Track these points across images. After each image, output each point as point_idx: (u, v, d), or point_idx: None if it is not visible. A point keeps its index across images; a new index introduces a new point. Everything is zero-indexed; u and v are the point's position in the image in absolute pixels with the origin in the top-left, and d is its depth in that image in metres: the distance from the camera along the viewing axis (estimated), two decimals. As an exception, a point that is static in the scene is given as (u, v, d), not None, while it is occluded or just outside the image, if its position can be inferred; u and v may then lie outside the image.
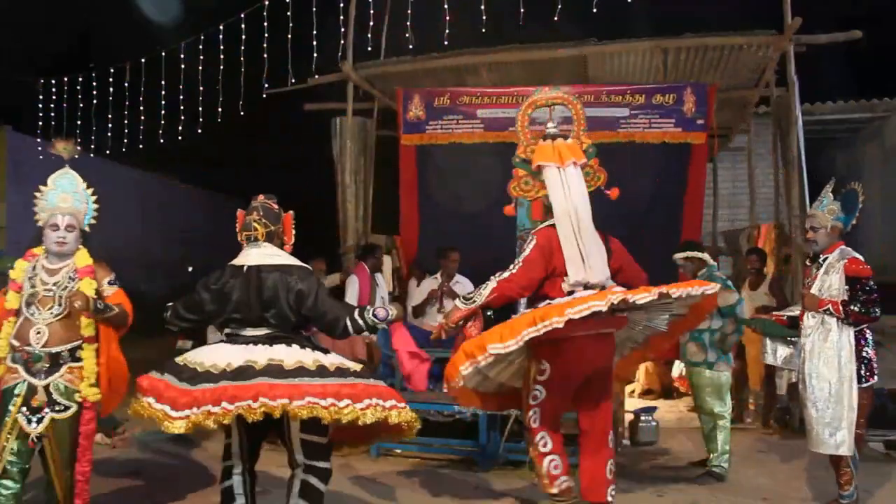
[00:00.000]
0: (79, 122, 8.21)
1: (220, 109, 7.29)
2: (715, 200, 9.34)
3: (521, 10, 6.28)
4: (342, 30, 7.24)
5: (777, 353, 4.84)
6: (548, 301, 3.75)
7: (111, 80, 7.77)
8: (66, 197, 3.52)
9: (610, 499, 3.83)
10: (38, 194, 3.51)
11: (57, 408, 3.35)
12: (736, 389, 6.30)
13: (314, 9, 6.91)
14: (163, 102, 7.60)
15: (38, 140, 8.67)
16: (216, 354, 3.29)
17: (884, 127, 10.36)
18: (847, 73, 11.06)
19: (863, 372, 4.04)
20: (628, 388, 8.21)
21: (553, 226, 3.88)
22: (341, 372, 3.24)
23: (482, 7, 6.23)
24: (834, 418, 3.99)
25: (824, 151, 10.90)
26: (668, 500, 4.62)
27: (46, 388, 3.34)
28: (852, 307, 3.99)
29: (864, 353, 4.08)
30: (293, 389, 3.05)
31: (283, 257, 3.55)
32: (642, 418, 6.15)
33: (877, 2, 10.78)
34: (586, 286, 3.75)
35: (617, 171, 7.04)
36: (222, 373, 3.13)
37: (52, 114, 8.11)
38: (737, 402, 6.49)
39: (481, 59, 7.36)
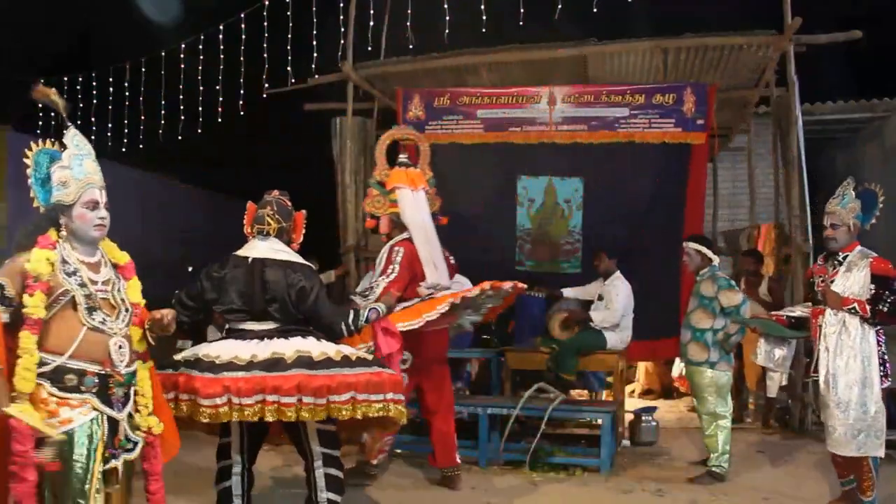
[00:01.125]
0: (79, 122, 8.19)
1: (220, 109, 7.30)
2: (715, 200, 9.34)
3: (521, 10, 6.28)
4: (342, 30, 7.23)
5: (772, 354, 4.79)
6: (412, 300, 4.45)
7: (111, 80, 7.78)
8: (94, 166, 2.66)
9: (459, 460, 4.87)
10: (43, 156, 2.68)
11: (129, 446, 2.62)
12: (736, 389, 6.31)
13: (314, 9, 6.92)
14: (163, 102, 7.60)
15: (38, 140, 8.67)
16: (230, 348, 3.25)
17: (884, 127, 10.34)
18: (847, 73, 11.04)
19: (880, 373, 3.98)
20: (628, 388, 8.22)
21: (409, 239, 4.63)
22: (363, 361, 3.30)
23: (482, 7, 6.23)
24: (857, 420, 3.93)
25: (824, 151, 10.89)
26: (668, 500, 4.62)
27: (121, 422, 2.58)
28: (879, 307, 3.90)
29: (882, 355, 4.01)
30: (329, 380, 3.10)
31: (288, 254, 3.57)
32: (642, 418, 6.15)
33: (877, 2, 10.76)
34: (437, 288, 4.53)
35: (617, 171, 7.12)
36: (249, 363, 3.12)
37: (52, 114, 8.11)
38: (737, 402, 6.49)
39: (481, 59, 7.36)
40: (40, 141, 2.68)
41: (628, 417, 6.29)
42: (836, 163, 10.94)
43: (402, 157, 4.87)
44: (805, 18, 6.34)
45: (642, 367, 8.73)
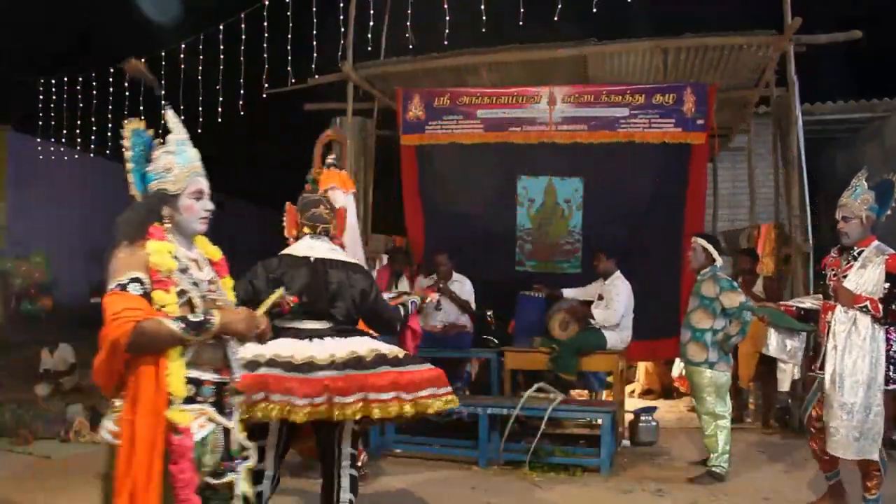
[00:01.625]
0: (79, 122, 8.21)
1: (220, 109, 7.30)
2: (715, 200, 9.35)
3: (521, 10, 6.27)
4: (342, 30, 7.24)
5: (784, 345, 4.59)
6: None
7: (111, 80, 7.77)
8: (196, 152, 2.41)
9: None
10: (138, 137, 2.37)
11: (245, 453, 2.38)
12: (735, 389, 6.30)
13: (314, 9, 6.91)
14: (163, 102, 7.59)
15: (38, 140, 8.68)
16: (300, 348, 3.23)
17: (884, 127, 10.35)
18: (847, 73, 11.04)
19: (891, 373, 3.89)
20: (628, 388, 8.22)
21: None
22: (419, 359, 3.40)
23: (482, 7, 6.23)
24: (861, 422, 3.81)
25: (824, 151, 10.90)
26: (668, 500, 4.62)
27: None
28: (893, 307, 3.78)
29: (892, 354, 3.91)
30: (414, 375, 3.21)
31: (343, 254, 3.63)
32: (642, 418, 6.15)
33: (877, 2, 10.77)
34: None
35: (617, 171, 7.13)
36: (333, 363, 3.14)
37: (52, 114, 8.12)
38: (736, 402, 6.49)
39: (481, 59, 7.36)
40: (133, 119, 2.42)
41: (628, 417, 6.29)
42: (836, 163, 10.94)
43: (331, 159, 4.95)
44: (805, 18, 6.34)
45: (642, 367, 8.73)
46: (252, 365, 3.12)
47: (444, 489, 4.79)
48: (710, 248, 5.12)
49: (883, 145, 10.43)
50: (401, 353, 3.36)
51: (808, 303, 4.40)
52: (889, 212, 4.00)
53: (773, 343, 4.67)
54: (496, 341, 6.72)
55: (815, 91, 9.23)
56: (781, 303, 4.70)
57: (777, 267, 7.39)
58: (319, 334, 3.34)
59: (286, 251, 3.56)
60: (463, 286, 6.66)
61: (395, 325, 3.72)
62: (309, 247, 3.53)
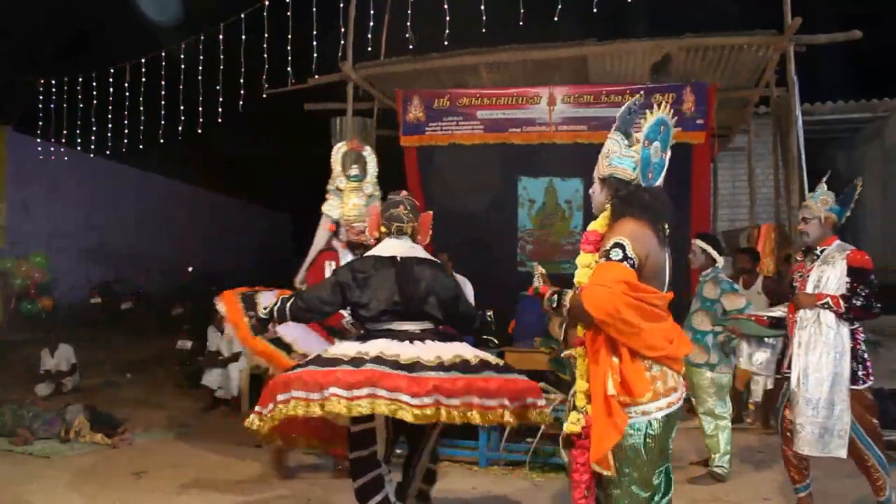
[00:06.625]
0: (79, 122, 8.21)
1: (220, 110, 7.30)
2: (715, 200, 9.36)
3: (521, 11, 6.28)
4: (342, 30, 7.24)
5: (754, 357, 4.72)
6: None
7: (111, 80, 7.78)
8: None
9: None
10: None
11: None
12: (734, 390, 6.29)
13: (314, 9, 6.92)
14: (163, 102, 7.60)
15: (38, 140, 8.68)
16: (405, 348, 3.23)
17: (884, 127, 10.36)
18: (847, 73, 11.06)
19: (860, 373, 3.87)
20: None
21: None
22: (515, 369, 3.46)
23: (482, 7, 6.23)
24: (827, 418, 3.81)
25: (824, 151, 10.91)
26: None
27: None
28: (854, 301, 3.81)
29: (861, 353, 3.91)
30: (527, 384, 3.31)
31: (426, 254, 3.61)
32: (642, 418, 6.14)
33: (877, 2, 10.78)
34: None
35: (617, 171, 7.11)
36: (441, 364, 3.14)
37: (53, 114, 8.12)
38: (736, 402, 6.48)
39: (481, 59, 7.37)
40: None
41: (629, 417, 6.28)
42: (836, 163, 10.96)
43: (354, 170, 5.31)
44: (805, 18, 6.35)
45: (642, 368, 8.71)
46: (356, 361, 3.11)
47: (445, 489, 4.79)
48: (709, 248, 5.10)
49: (883, 145, 10.44)
50: (500, 360, 3.39)
51: (779, 311, 4.38)
52: (849, 214, 4.08)
53: (744, 355, 4.73)
54: (496, 341, 6.69)
55: (815, 91, 9.25)
56: (752, 313, 4.69)
57: (777, 267, 7.39)
58: (420, 337, 3.35)
59: (372, 252, 3.52)
60: (463, 287, 6.66)
61: (474, 324, 3.78)
62: (392, 246, 3.52)
